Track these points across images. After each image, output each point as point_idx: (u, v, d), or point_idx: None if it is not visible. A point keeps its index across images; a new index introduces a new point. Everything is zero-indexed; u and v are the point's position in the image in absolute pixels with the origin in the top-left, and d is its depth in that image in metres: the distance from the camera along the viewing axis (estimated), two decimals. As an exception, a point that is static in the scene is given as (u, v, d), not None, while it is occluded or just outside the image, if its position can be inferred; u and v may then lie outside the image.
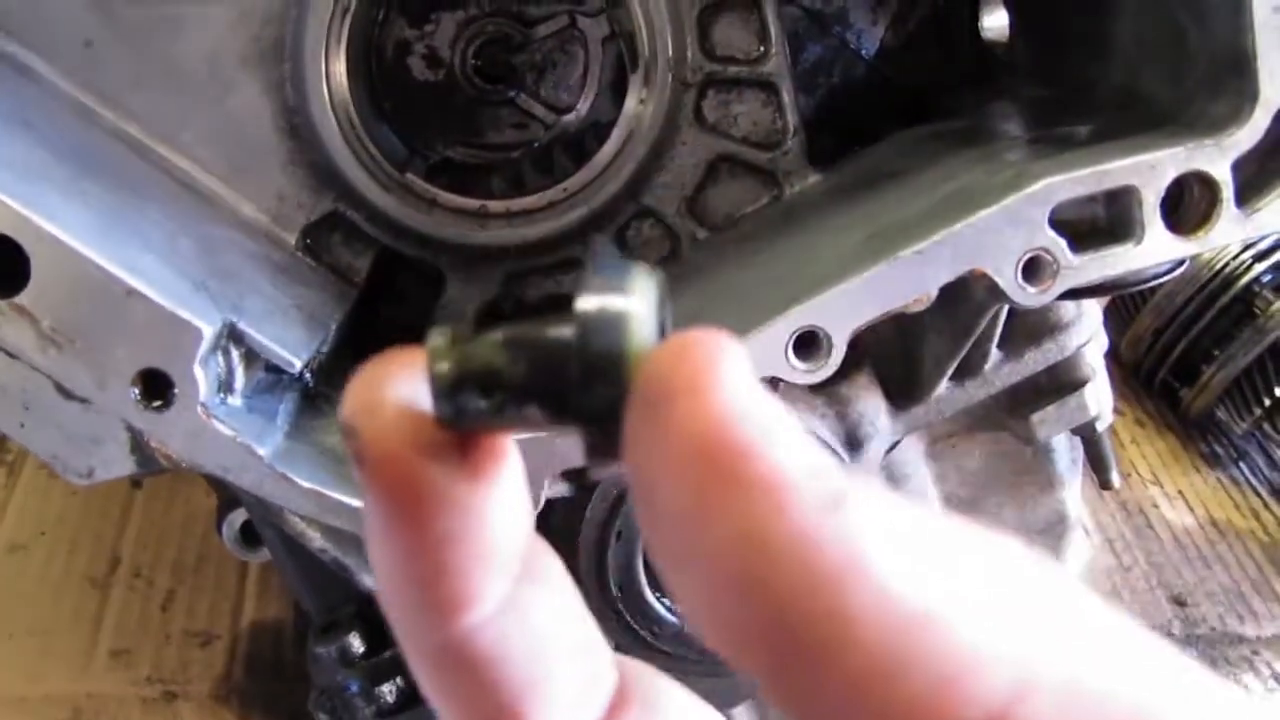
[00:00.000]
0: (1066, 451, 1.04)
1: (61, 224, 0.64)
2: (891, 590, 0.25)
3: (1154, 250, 0.72)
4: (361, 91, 0.91)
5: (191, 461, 0.68)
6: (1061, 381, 0.98)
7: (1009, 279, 0.70)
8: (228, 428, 0.67)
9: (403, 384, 0.33)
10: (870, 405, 0.91)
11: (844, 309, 0.70)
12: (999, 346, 0.92)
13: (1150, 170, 0.70)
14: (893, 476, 0.97)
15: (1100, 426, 1.02)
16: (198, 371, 0.65)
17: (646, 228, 0.95)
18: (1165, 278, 0.82)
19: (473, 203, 0.93)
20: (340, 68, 0.88)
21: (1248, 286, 1.63)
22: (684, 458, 0.27)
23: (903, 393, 0.92)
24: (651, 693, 0.39)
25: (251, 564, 1.20)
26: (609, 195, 0.93)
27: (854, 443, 0.90)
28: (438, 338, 0.33)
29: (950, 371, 0.89)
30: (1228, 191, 0.71)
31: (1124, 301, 1.68)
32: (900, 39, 1.03)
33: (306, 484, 0.70)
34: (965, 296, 0.75)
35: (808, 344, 0.70)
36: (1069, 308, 0.94)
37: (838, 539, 0.25)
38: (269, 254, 0.85)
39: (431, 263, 0.93)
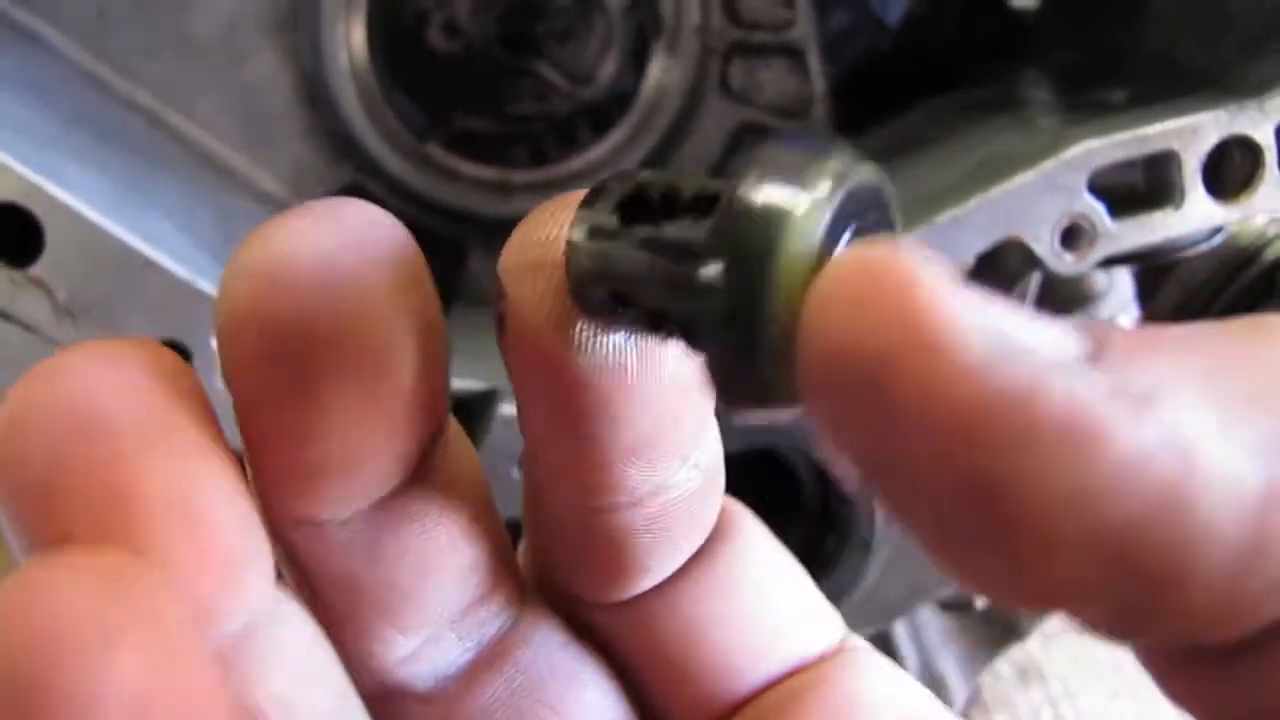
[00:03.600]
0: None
1: (76, 193, 0.62)
2: (1235, 475, 0.21)
3: (1194, 216, 0.70)
4: (380, 60, 0.89)
5: (211, 435, 0.66)
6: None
7: (1046, 246, 0.68)
8: (247, 400, 0.65)
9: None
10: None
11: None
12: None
13: (1191, 134, 0.69)
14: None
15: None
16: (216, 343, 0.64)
17: (670, 198, 0.93)
18: (1203, 246, 0.80)
19: (495, 174, 0.91)
20: (359, 35, 0.87)
21: (1274, 262, 1.60)
22: (949, 434, 0.20)
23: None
24: (727, 524, 0.36)
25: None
26: (632, 165, 0.91)
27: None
28: (577, 228, 0.27)
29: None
30: (1271, 156, 0.69)
31: (1144, 279, 1.66)
32: (926, 7, 1.02)
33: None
34: (1000, 265, 0.73)
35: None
36: (1101, 278, 0.92)
37: (1167, 448, 0.21)
38: (287, 226, 0.84)
39: (453, 235, 0.91)
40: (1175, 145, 0.69)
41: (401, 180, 0.89)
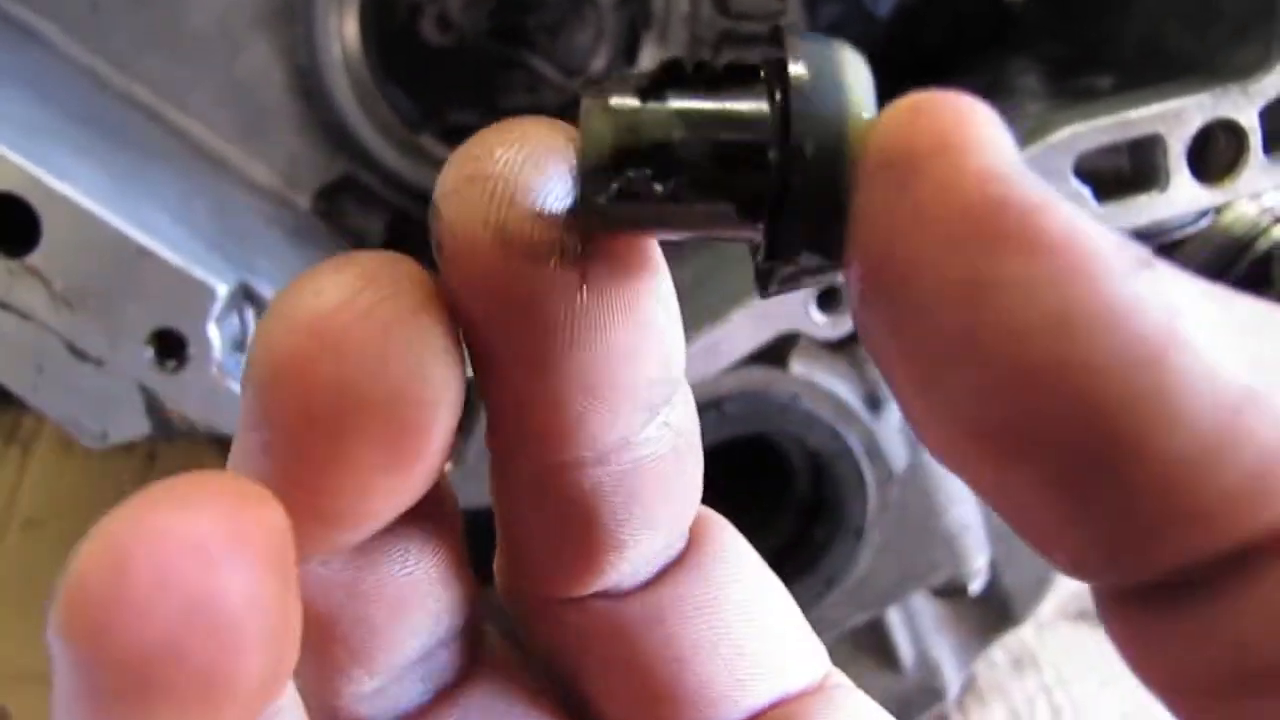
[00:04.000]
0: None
1: (72, 183, 0.63)
2: (1217, 362, 0.21)
3: (1180, 199, 0.71)
4: (373, 53, 0.90)
5: (206, 423, 0.67)
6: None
7: (1033, 229, 0.69)
8: (243, 388, 0.66)
9: (521, 160, 0.26)
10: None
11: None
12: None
13: (1175, 118, 0.69)
14: (912, 439, 0.96)
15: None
16: (212, 330, 0.64)
17: (662, 189, 0.93)
18: (1190, 229, 0.81)
19: (487, 165, 0.91)
20: (352, 28, 0.87)
21: (1267, 252, 1.60)
22: (953, 227, 0.22)
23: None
24: (719, 542, 0.34)
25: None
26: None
27: (874, 403, 0.89)
28: (593, 105, 0.26)
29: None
30: (1255, 139, 0.70)
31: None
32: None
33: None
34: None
35: (830, 297, 0.70)
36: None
37: (1157, 306, 0.21)
38: (282, 217, 0.85)
39: (446, 226, 0.91)
40: (1160, 129, 0.69)
41: (395, 172, 0.90)
